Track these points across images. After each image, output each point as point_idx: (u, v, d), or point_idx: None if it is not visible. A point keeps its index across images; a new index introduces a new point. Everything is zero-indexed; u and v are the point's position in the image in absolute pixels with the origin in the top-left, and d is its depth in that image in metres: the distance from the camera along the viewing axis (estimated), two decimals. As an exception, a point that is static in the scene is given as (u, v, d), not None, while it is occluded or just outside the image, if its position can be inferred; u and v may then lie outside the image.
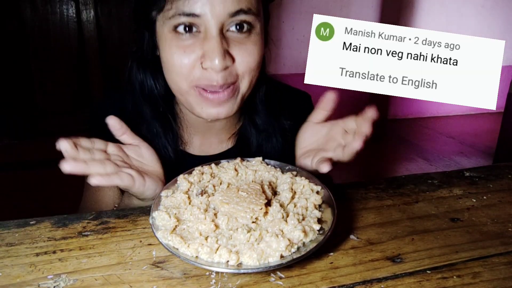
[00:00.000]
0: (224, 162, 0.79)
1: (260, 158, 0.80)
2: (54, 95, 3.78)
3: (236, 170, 0.75)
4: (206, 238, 0.58)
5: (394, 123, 4.74)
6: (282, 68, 4.41)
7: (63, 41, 3.66)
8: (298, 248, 0.58)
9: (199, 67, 0.78)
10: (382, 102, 4.96)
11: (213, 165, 0.78)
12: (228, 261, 0.55)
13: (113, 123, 0.78)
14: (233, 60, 0.79)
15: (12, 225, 0.69)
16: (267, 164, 0.78)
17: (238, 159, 0.79)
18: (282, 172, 0.76)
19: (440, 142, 4.24)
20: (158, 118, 0.92)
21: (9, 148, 3.53)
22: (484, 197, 0.83)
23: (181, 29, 0.77)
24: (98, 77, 3.76)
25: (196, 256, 0.56)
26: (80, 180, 1.02)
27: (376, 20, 4.63)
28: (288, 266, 0.57)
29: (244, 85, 0.83)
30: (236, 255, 0.55)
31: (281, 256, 0.56)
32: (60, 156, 0.67)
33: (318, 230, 0.60)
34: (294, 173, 0.76)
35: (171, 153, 0.91)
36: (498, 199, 0.82)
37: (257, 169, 0.76)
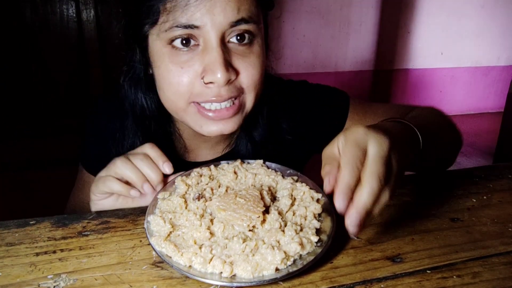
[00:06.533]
0: (223, 164, 0.78)
1: (261, 161, 0.78)
2: (54, 95, 3.78)
3: (235, 173, 0.74)
4: (200, 247, 0.58)
5: (394, 123, 4.73)
6: (282, 68, 4.41)
7: (63, 41, 3.66)
8: (295, 261, 0.57)
9: (199, 84, 0.73)
10: (382, 101, 4.96)
11: (212, 166, 0.76)
12: (221, 272, 0.55)
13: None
14: (236, 73, 0.73)
15: (12, 225, 0.69)
16: (268, 168, 0.77)
17: (238, 161, 0.78)
18: (283, 176, 0.75)
19: (440, 142, 4.23)
20: (149, 140, 0.85)
21: (9, 148, 3.53)
22: (484, 197, 0.83)
23: (178, 43, 0.71)
24: (98, 77, 3.76)
25: (190, 266, 0.56)
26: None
27: (376, 20, 4.64)
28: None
29: (249, 100, 0.78)
30: (230, 266, 0.55)
31: (276, 269, 0.55)
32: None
33: (316, 242, 0.60)
34: (295, 178, 0.75)
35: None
36: (498, 199, 0.82)
37: (257, 173, 0.75)
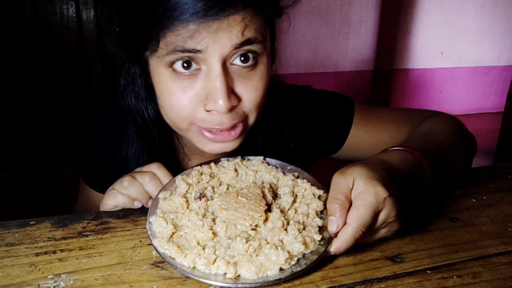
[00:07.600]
0: (223, 161, 0.77)
1: (261, 158, 0.78)
2: (54, 95, 3.78)
3: (236, 170, 0.74)
4: (204, 248, 0.58)
5: (394, 123, 4.73)
6: (282, 68, 4.40)
7: (63, 41, 3.66)
8: (298, 260, 0.57)
9: (202, 110, 0.71)
10: (382, 101, 4.97)
11: (212, 164, 0.76)
12: (225, 273, 0.55)
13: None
14: (238, 99, 0.71)
15: (12, 225, 0.69)
16: (268, 164, 0.77)
17: (239, 158, 0.78)
18: (284, 173, 0.75)
19: (440, 142, 4.22)
20: (152, 152, 0.85)
21: (9, 148, 3.53)
22: (484, 197, 0.83)
23: (178, 65, 0.68)
24: (98, 77, 3.76)
25: (194, 267, 0.56)
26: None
27: (376, 20, 4.64)
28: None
29: (251, 120, 0.77)
30: (234, 267, 0.55)
31: (280, 269, 0.55)
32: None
33: (319, 240, 0.60)
34: (296, 174, 0.75)
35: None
36: (498, 199, 0.82)
37: (258, 170, 0.74)
